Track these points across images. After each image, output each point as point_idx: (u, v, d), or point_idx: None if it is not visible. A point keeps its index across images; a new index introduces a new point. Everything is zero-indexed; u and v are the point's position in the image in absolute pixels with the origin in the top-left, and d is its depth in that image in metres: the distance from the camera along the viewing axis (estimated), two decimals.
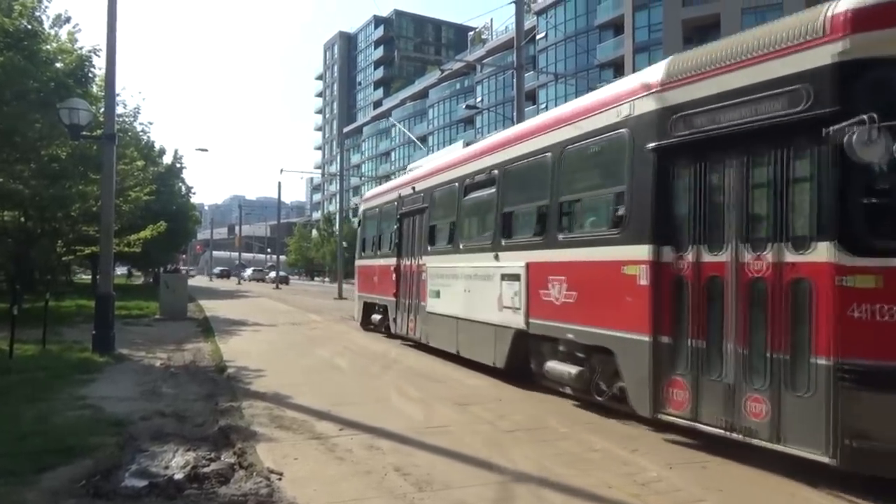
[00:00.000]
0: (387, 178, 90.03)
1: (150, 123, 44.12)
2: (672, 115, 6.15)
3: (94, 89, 18.27)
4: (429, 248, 12.21)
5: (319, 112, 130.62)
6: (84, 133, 12.78)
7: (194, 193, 52.74)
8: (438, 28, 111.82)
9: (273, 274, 67.15)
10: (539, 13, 63.42)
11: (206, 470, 5.24)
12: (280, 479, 5.03)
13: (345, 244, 47.33)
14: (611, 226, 7.06)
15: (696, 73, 6.06)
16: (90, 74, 18.12)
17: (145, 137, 30.68)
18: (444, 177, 11.76)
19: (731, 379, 5.57)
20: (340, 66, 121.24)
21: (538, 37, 62.70)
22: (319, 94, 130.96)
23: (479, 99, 72.25)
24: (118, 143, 13.61)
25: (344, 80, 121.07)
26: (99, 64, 17.57)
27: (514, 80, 18.44)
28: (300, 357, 12.19)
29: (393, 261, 14.22)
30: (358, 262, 17.71)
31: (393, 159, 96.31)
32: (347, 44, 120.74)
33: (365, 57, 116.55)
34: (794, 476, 5.15)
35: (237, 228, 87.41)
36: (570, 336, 7.57)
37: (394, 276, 14.09)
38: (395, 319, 14.07)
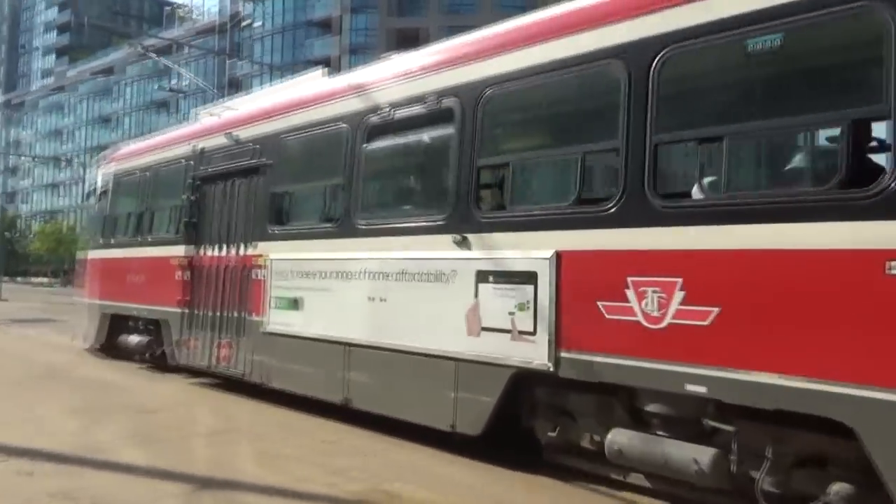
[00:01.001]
0: (64, 160, 77.09)
1: None
2: None
3: None
4: (274, 231, 7.53)
5: None
6: None
7: None
8: None
9: None
10: (253, 0, 61.81)
11: None
12: None
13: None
14: None
15: None
16: None
17: None
18: (316, 115, 7.23)
19: None
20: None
21: (254, 24, 62.02)
22: None
23: (185, 82, 65.17)
24: None
25: (5, 41, 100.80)
26: None
27: (218, 66, 14.15)
28: None
29: (178, 250, 9.06)
30: (94, 254, 11.65)
31: (77, 139, 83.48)
32: None
33: (32, 16, 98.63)
34: None
35: None
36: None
37: (181, 273, 8.96)
38: (180, 342, 8.94)
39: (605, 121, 4.68)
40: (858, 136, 3.63)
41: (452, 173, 5.60)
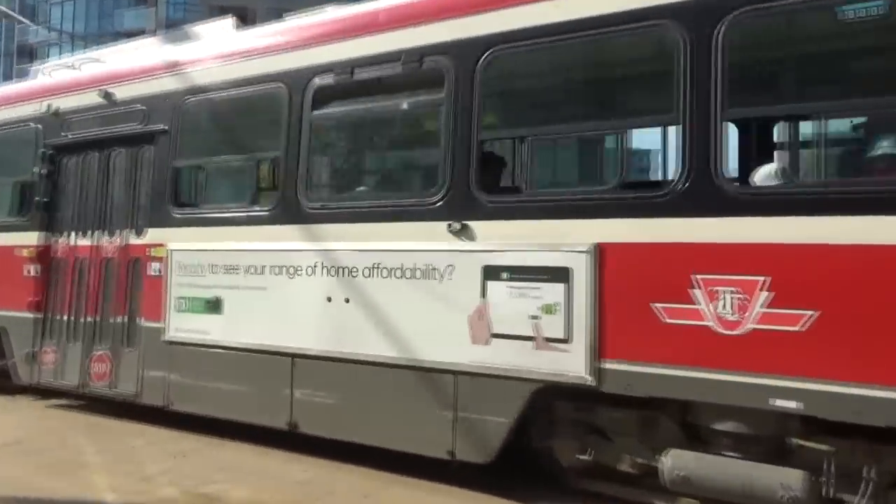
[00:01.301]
0: None
1: None
2: None
3: None
4: (176, 215, 6.03)
5: None
6: None
7: None
8: None
9: None
10: None
11: None
12: None
13: None
14: None
15: None
16: None
17: None
18: (236, 72, 5.76)
19: None
20: None
21: None
22: None
23: None
24: None
25: None
26: None
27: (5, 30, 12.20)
28: None
29: (28, 238, 7.10)
30: None
31: None
32: None
33: None
34: None
35: None
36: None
37: (31, 269, 7.01)
38: (32, 356, 6.99)
39: (662, 89, 3.99)
40: None
41: (445, 148, 4.63)
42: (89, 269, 6.66)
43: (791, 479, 3.54)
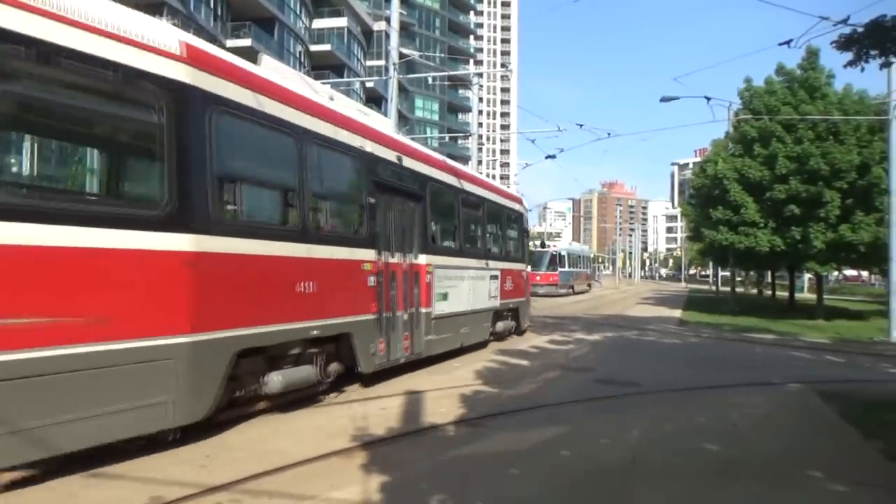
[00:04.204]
0: None
1: None
2: None
3: None
4: (431, 246, 10.90)
5: None
6: None
7: None
8: None
9: None
10: None
11: None
12: None
13: None
14: None
15: None
16: None
17: None
18: (447, 178, 11.90)
19: None
20: None
21: None
22: None
23: None
24: None
25: None
26: None
27: None
28: None
29: (367, 255, 8.70)
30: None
31: None
32: None
33: None
34: None
35: None
36: None
37: (372, 279, 8.74)
38: (375, 347, 8.78)
39: None
40: None
41: None
42: (395, 278, 9.42)
43: None
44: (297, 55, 48.79)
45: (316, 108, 7.74)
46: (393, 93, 22.00)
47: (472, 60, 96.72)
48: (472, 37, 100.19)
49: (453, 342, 11.53)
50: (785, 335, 19.16)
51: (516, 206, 16.16)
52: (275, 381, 6.80)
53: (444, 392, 8.73)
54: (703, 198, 27.17)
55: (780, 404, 8.98)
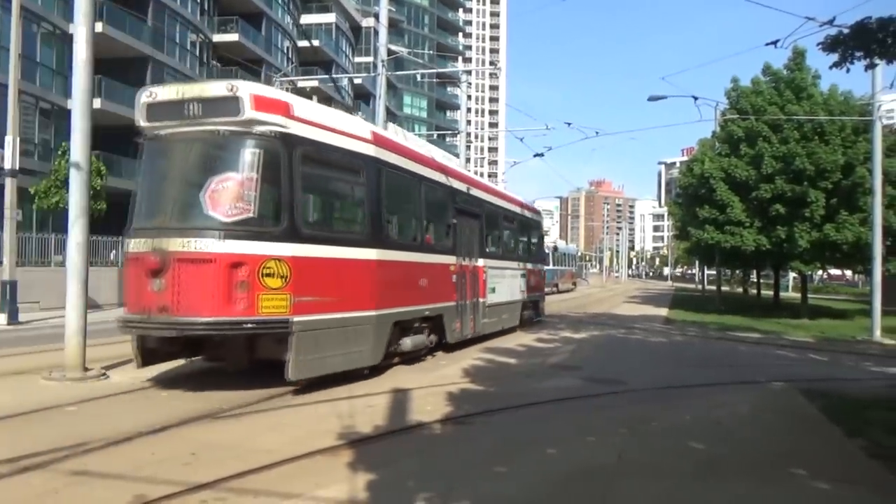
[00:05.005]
0: None
1: None
2: None
3: None
4: (484, 251, 14.38)
5: None
6: None
7: None
8: None
9: None
10: None
11: None
12: None
13: None
14: None
15: None
16: None
17: None
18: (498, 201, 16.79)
19: None
20: None
21: None
22: None
23: None
24: None
25: None
26: None
27: None
28: None
29: (450, 259, 12.69)
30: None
31: None
32: None
33: None
34: None
35: None
36: None
37: (454, 277, 12.68)
38: (455, 324, 12.65)
39: None
40: None
41: None
42: (465, 276, 13.08)
43: None
44: (285, 51, 48.60)
45: (426, 159, 11.80)
46: (381, 89, 21.98)
47: (460, 58, 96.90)
48: (460, 34, 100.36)
49: (497, 325, 15.08)
50: (770, 334, 19.36)
51: (536, 217, 20.65)
52: (407, 342, 10.47)
53: (429, 390, 8.76)
54: (690, 197, 27.39)
55: (764, 403, 9.05)
